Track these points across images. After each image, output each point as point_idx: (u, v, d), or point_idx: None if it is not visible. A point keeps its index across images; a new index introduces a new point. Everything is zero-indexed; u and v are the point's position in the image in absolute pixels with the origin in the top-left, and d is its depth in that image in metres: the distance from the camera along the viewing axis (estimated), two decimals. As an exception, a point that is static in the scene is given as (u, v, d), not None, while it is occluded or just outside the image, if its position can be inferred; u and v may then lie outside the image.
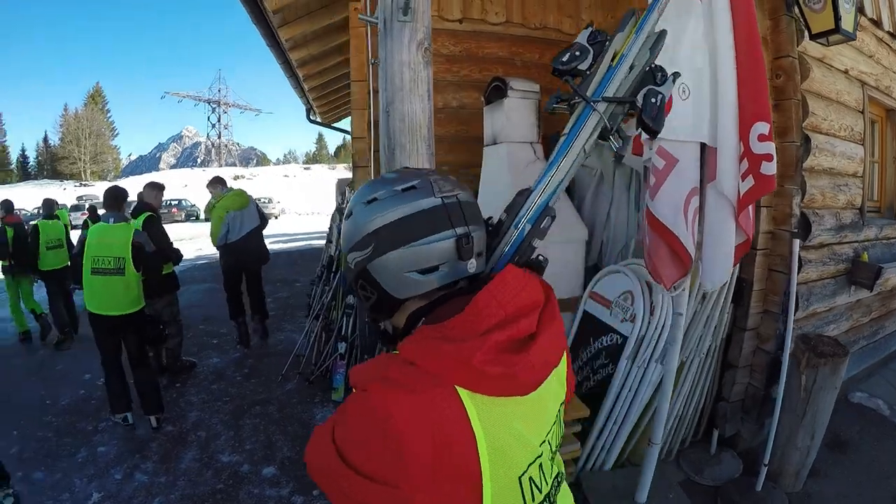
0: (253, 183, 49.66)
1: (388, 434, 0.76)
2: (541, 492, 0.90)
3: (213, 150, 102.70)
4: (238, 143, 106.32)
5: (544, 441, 0.92)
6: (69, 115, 76.85)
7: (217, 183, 6.12)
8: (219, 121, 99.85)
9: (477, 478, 0.79)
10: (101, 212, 4.61)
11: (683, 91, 2.13)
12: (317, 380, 4.94)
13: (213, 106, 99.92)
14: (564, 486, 1.03)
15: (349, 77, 8.19)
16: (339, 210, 6.35)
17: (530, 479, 0.87)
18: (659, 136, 2.09)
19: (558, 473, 1.00)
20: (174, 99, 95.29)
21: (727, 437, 3.60)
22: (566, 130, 1.24)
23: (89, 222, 6.30)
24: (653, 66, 1.25)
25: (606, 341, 3.31)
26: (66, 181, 66.76)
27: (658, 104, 1.20)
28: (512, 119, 3.85)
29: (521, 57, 5.00)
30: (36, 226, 6.66)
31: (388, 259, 0.94)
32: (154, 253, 4.53)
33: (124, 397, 4.21)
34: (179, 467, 3.70)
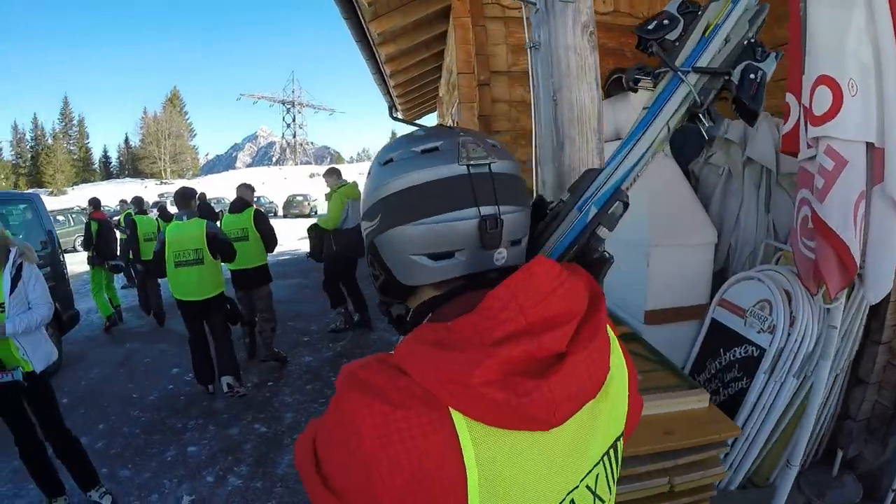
0: (329, 181, 50.64)
1: (354, 453, 0.60)
2: None
3: (287, 150, 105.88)
4: (312, 143, 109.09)
5: (577, 487, 0.71)
6: (148, 117, 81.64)
7: (333, 173, 6.52)
8: (293, 121, 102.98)
9: None
10: (172, 210, 5.68)
11: (852, 87, 1.92)
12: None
13: (288, 106, 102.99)
14: None
15: (437, 72, 8.31)
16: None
17: None
18: (829, 134, 1.90)
19: None
20: (249, 100, 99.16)
21: (848, 458, 3.31)
22: (648, 104, 1.08)
23: (159, 221, 8.03)
24: (752, 39, 1.08)
25: (740, 353, 3.04)
26: (146, 179, 71.03)
27: (758, 81, 1.03)
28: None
29: (631, 48, 4.80)
30: (134, 220, 7.37)
31: (393, 235, 0.76)
32: (264, 238, 5.48)
33: (208, 371, 4.81)
34: (276, 472, 3.54)
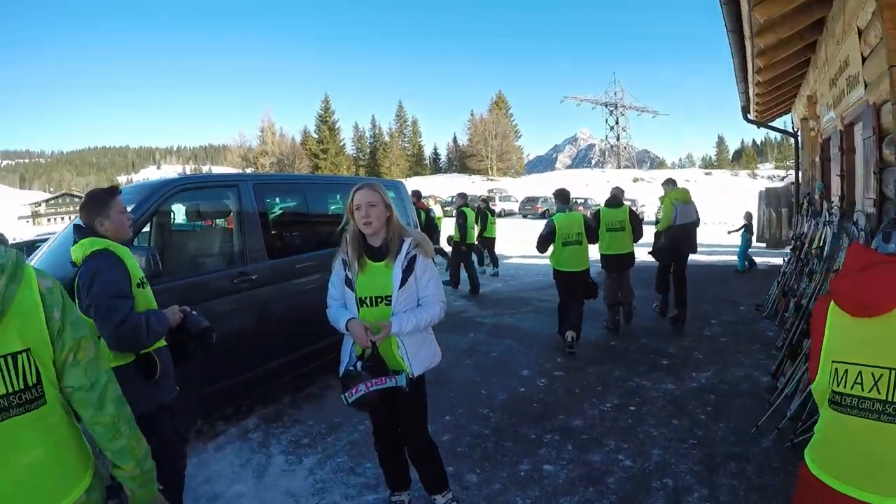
0: (652, 186, 48.83)
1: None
2: (851, 386, 1.42)
3: (606, 152, 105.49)
4: (633, 146, 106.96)
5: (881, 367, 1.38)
6: (475, 118, 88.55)
7: (669, 182, 7.64)
8: (616, 123, 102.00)
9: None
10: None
11: None
12: (801, 442, 3.60)
13: (610, 108, 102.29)
14: None
15: (803, 67, 7.21)
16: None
17: (845, 371, 1.45)
18: None
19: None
20: (571, 103, 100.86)
21: None
22: None
23: (487, 212, 11.68)
24: None
25: None
26: (473, 175, 77.90)
27: None
28: None
29: None
30: (463, 211, 9.94)
31: None
32: (634, 231, 6.77)
33: (564, 326, 6.09)
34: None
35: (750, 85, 7.28)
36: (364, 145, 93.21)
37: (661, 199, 7.65)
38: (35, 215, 69.69)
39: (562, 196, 6.39)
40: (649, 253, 7.68)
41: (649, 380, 5.08)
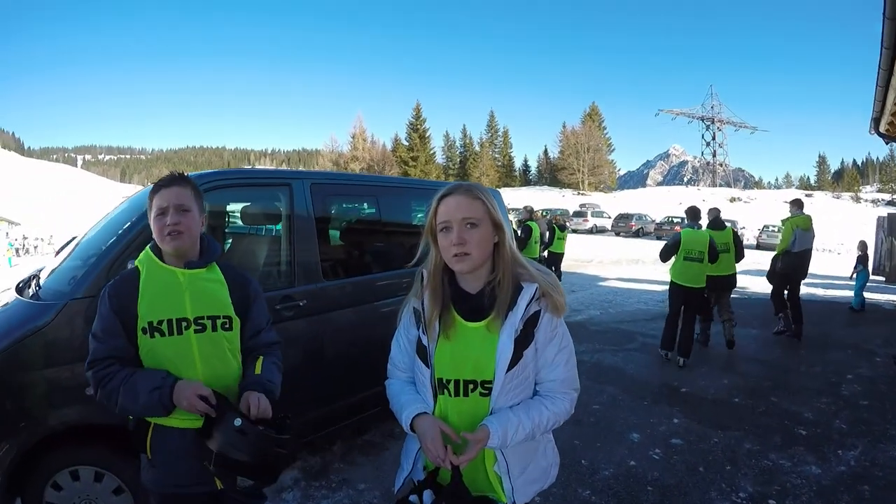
0: (750, 207, 46.22)
1: None
2: None
3: (700, 170, 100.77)
4: (728, 163, 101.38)
5: None
6: (567, 131, 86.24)
7: (796, 204, 7.80)
8: (713, 139, 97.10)
9: None
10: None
11: None
12: None
13: (707, 123, 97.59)
14: None
15: None
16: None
17: None
18: None
19: None
20: (665, 117, 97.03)
21: None
22: None
23: (556, 227, 11.75)
24: None
25: None
26: (564, 189, 76.41)
27: None
28: None
29: None
30: (529, 226, 10.31)
31: None
32: (738, 252, 7.21)
33: (672, 341, 6.43)
34: None
35: (892, 91, 6.44)
36: (454, 154, 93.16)
37: (783, 221, 7.82)
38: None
39: (693, 213, 6.71)
40: (767, 277, 8.01)
41: (788, 457, 4.08)
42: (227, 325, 1.84)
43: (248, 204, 3.54)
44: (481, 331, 1.49)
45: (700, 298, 6.53)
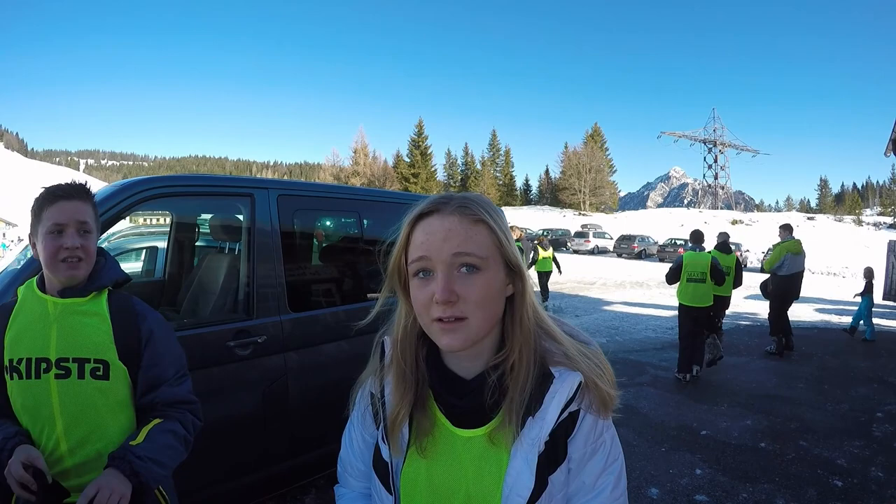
0: (752, 230, 45.99)
1: None
2: None
3: (700, 192, 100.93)
4: (729, 186, 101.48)
5: None
6: (569, 151, 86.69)
7: (786, 229, 8.19)
8: (715, 161, 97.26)
9: None
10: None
11: None
12: None
13: (709, 146, 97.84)
14: None
15: None
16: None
17: None
18: None
19: None
20: (666, 139, 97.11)
21: None
22: None
23: (539, 247, 11.73)
24: None
25: None
26: (565, 209, 76.12)
27: None
28: None
29: None
30: None
31: None
32: (737, 277, 7.42)
33: (690, 363, 6.63)
34: None
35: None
36: (455, 172, 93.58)
37: (774, 245, 8.33)
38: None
39: (696, 237, 7.12)
40: (763, 294, 8.65)
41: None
42: (101, 373, 1.33)
43: (202, 217, 2.97)
44: (480, 444, 0.88)
45: (708, 317, 6.92)
